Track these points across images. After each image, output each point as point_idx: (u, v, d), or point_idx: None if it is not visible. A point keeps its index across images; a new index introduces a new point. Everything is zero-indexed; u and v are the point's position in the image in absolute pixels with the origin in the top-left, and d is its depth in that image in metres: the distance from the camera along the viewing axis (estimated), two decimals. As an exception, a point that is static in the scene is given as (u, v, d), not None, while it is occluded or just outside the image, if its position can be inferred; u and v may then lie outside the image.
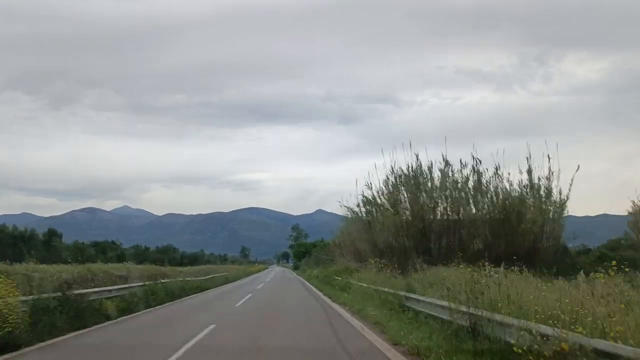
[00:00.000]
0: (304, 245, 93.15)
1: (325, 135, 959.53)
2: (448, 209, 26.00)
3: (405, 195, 27.41)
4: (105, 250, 66.19)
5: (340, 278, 25.95)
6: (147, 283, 18.58)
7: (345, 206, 30.50)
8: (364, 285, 17.67)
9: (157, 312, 15.60)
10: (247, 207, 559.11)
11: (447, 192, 26.08)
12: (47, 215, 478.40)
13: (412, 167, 27.53)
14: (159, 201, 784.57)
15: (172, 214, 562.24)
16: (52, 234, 59.15)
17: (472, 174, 26.60)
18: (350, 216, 36.92)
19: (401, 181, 27.95)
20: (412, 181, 27.14)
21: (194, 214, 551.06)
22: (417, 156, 27.44)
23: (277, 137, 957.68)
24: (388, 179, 28.72)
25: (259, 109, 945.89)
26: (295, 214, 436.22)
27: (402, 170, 27.97)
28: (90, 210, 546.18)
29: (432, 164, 27.27)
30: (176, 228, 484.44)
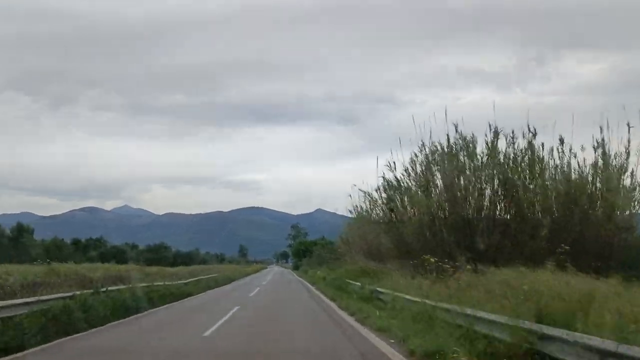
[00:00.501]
0: (305, 243, 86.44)
1: (325, 135, 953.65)
2: (498, 193, 20.00)
3: (441, 177, 21.42)
4: (87, 249, 60.12)
5: (358, 283, 19.76)
6: (78, 293, 12.41)
7: (362, 190, 24.41)
8: (408, 297, 11.34)
9: (62, 346, 9.36)
10: (247, 207, 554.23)
11: (497, 171, 20.08)
12: (47, 214, 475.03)
13: (449, 140, 21.61)
14: (159, 201, 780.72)
15: (172, 213, 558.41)
16: (21, 230, 52.81)
17: (525, 149, 20.70)
18: (364, 206, 30.95)
19: (434, 159, 21.93)
20: (449, 159, 21.16)
21: (194, 213, 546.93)
22: (455, 127, 21.47)
23: (277, 137, 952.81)
24: (416, 156, 22.72)
25: (259, 109, 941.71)
26: (295, 214, 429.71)
27: (435, 146, 22.01)
28: (91, 210, 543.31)
29: (473, 137, 21.32)
30: (176, 228, 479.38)
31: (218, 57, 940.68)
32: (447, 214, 19.46)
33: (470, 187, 19.99)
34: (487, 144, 20.83)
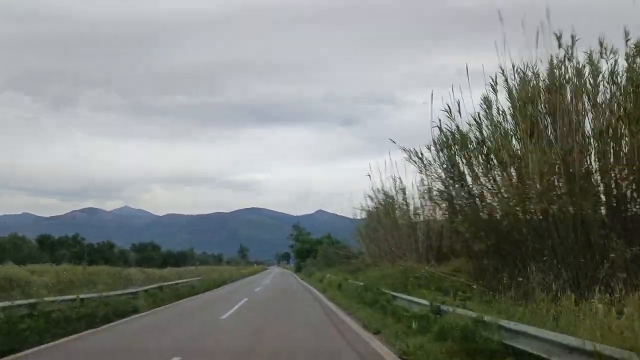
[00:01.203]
0: (309, 242, 77.70)
1: (326, 135, 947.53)
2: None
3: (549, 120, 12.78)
4: (57, 247, 51.69)
5: (421, 301, 10.39)
6: None
7: (404, 149, 15.61)
8: None
9: None
10: (248, 207, 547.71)
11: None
12: (47, 215, 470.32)
13: (552, 59, 13.08)
14: (159, 201, 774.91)
15: (173, 214, 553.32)
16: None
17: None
18: (391, 190, 22.57)
19: (531, 93, 13.25)
20: (562, 87, 12.64)
21: (195, 214, 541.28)
22: (558, 39, 12.92)
23: (278, 138, 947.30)
24: (493, 90, 14.02)
25: (259, 110, 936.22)
26: (295, 214, 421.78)
27: (528, 68, 13.39)
28: (90, 211, 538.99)
29: (592, 53, 12.69)
30: (177, 228, 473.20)
31: (218, 57, 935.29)
32: (574, 177, 10.73)
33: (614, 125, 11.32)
34: (626, 59, 12.21)
